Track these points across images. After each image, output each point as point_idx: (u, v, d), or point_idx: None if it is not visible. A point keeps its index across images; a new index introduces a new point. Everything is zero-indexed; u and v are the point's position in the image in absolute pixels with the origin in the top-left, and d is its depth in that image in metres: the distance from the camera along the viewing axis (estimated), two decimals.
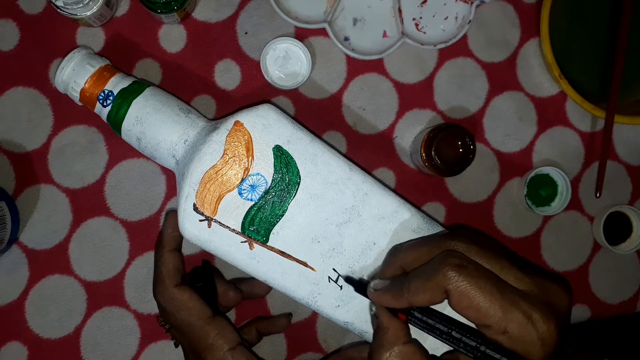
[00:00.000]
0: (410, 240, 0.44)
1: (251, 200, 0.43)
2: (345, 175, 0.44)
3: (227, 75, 0.56)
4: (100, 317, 0.54)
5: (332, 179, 0.44)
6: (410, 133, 0.58)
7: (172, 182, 0.55)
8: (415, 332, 0.38)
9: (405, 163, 0.58)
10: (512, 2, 0.59)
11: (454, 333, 0.34)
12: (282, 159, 0.43)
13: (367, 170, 0.56)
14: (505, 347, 0.33)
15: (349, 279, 0.44)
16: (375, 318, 0.40)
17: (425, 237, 0.46)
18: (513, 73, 0.59)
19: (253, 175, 0.43)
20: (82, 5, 0.49)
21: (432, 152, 0.52)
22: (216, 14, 0.56)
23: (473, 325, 0.35)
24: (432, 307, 0.36)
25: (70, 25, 0.54)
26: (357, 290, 0.42)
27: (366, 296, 0.40)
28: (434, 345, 0.41)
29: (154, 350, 0.55)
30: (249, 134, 0.43)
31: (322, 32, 0.56)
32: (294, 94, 0.56)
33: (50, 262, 0.54)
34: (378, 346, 0.38)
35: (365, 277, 0.45)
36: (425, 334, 0.37)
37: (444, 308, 0.36)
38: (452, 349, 0.37)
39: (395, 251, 0.41)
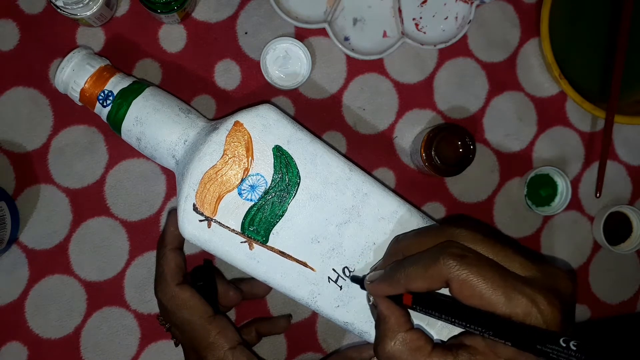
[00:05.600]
0: (413, 230, 0.44)
1: (251, 200, 0.43)
2: (345, 176, 0.44)
3: (227, 75, 0.56)
4: (100, 317, 0.54)
5: (331, 179, 0.44)
6: (410, 133, 0.58)
7: (172, 182, 0.55)
8: (424, 318, 0.38)
9: (405, 163, 0.58)
10: (512, 2, 0.59)
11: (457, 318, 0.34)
12: (282, 159, 0.43)
13: (367, 170, 0.56)
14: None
15: (354, 278, 0.44)
16: (374, 308, 0.39)
17: (429, 226, 0.46)
18: (513, 73, 0.59)
19: (253, 175, 0.43)
20: (82, 5, 0.49)
21: (432, 152, 0.52)
22: (216, 14, 0.55)
23: None
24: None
25: (70, 25, 0.54)
26: (362, 288, 0.42)
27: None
28: (441, 331, 0.41)
29: (154, 350, 0.55)
30: (249, 134, 0.43)
31: (322, 32, 0.56)
32: (294, 94, 0.56)
33: (50, 262, 0.54)
34: (381, 336, 0.37)
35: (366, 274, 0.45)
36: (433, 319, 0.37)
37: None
38: (456, 334, 0.37)
39: (399, 239, 0.41)
